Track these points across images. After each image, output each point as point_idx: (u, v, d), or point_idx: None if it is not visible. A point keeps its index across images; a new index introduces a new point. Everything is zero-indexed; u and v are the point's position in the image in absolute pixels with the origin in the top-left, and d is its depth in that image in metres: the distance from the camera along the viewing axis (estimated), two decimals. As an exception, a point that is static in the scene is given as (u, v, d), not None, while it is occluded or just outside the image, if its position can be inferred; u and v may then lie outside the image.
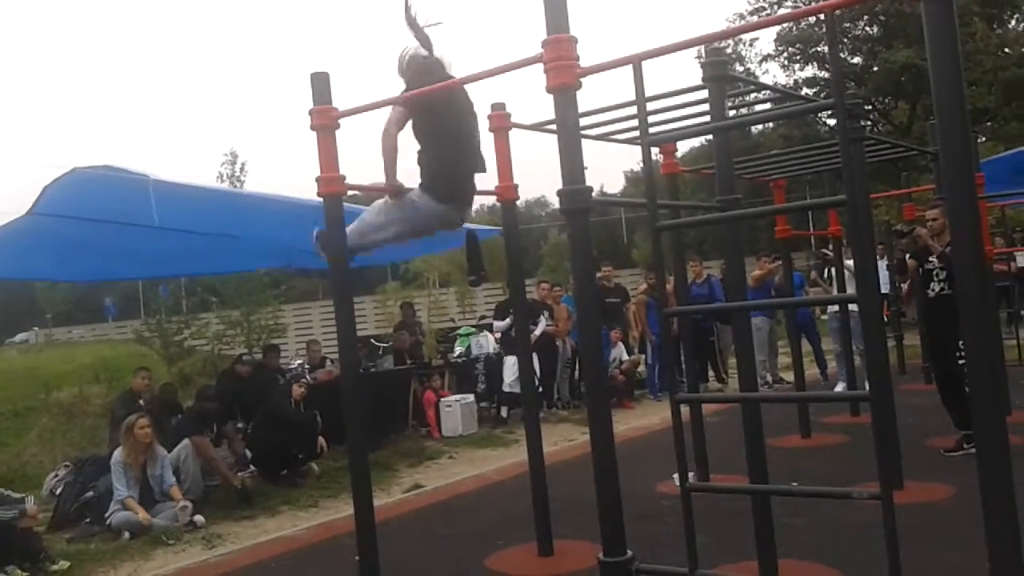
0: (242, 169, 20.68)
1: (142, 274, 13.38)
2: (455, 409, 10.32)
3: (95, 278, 12.11)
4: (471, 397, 10.80)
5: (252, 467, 8.23)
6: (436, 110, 4.30)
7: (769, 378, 11.71)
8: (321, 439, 8.45)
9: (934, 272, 6.96)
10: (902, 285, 11.48)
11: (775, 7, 26.73)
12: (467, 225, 5.01)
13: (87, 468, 7.72)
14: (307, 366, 10.65)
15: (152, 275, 14.04)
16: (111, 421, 9.09)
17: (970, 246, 2.89)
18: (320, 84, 4.34)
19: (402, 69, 4.45)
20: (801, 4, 26.20)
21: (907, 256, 7.64)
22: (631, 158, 52.83)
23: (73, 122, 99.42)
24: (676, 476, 3.69)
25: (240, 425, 8.89)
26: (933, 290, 7.02)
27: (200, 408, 8.42)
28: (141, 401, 8.86)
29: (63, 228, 7.27)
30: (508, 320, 10.26)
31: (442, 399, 10.51)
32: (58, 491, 7.65)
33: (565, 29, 3.50)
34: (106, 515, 6.81)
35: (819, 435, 8.14)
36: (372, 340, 12.41)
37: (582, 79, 3.55)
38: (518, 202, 5.55)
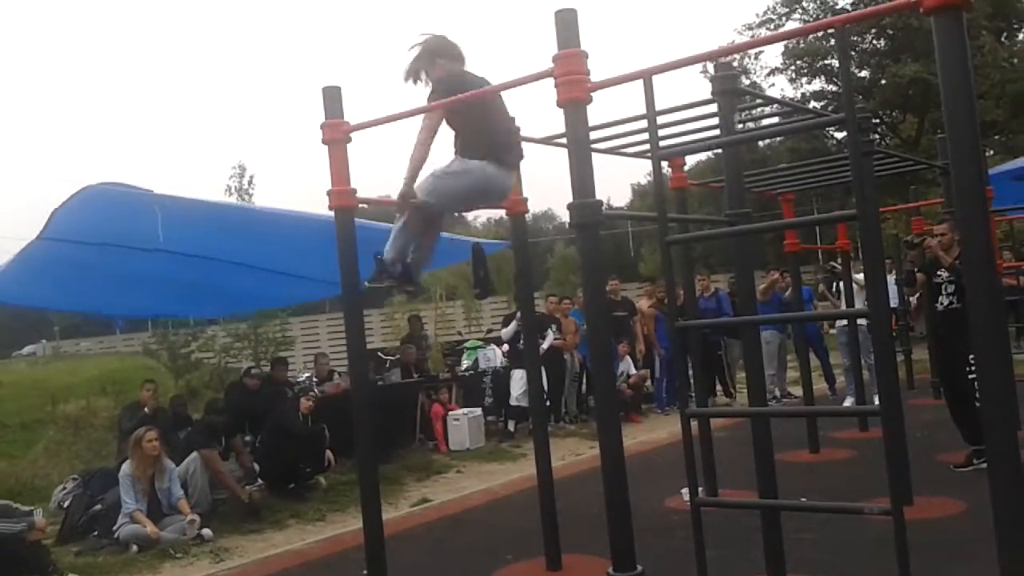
0: (250, 182, 20.71)
1: (153, 310, 13.19)
2: (463, 423, 10.30)
3: (105, 310, 12.10)
4: (478, 411, 10.77)
5: (260, 480, 8.23)
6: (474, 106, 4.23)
7: (777, 392, 11.68)
8: (329, 453, 8.44)
9: (943, 286, 6.94)
10: (911, 299, 11.45)
11: (783, 19, 26.80)
12: (473, 239, 5.02)
13: (95, 481, 7.72)
14: (315, 379, 10.65)
15: (163, 313, 13.94)
16: (118, 434, 9.11)
17: (983, 261, 2.88)
18: (332, 98, 4.37)
19: (434, 77, 4.35)
20: (808, 16, 26.27)
21: (916, 269, 7.63)
22: (638, 171, 52.87)
23: (80, 134, 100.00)
24: (685, 491, 3.68)
25: (248, 438, 8.89)
26: (942, 303, 7.00)
27: (208, 421, 8.42)
28: (146, 410, 8.89)
29: (72, 253, 7.32)
30: (514, 324, 10.26)
31: (449, 413, 10.51)
32: (66, 504, 7.66)
33: (576, 44, 3.53)
34: (114, 528, 6.81)
35: (828, 450, 8.11)
36: (379, 353, 12.41)
37: (592, 93, 3.57)
38: (526, 215, 5.57)
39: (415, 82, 4.38)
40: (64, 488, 8.14)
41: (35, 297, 9.02)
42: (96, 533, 7.03)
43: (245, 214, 8.64)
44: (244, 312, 14.42)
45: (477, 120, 4.23)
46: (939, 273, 6.97)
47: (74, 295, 8.93)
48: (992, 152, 21.50)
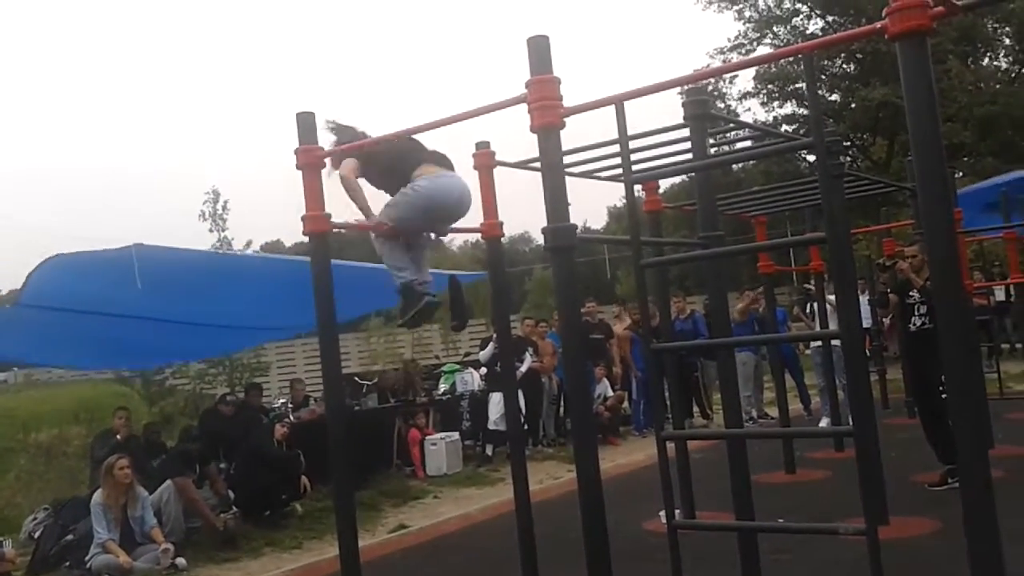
0: (224, 207, 20.62)
1: (134, 365, 13.23)
2: (440, 447, 10.26)
3: (85, 367, 12.08)
4: (456, 435, 10.74)
5: (235, 508, 8.14)
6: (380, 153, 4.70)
7: (754, 413, 11.72)
8: (304, 479, 8.38)
9: (915, 306, 7.03)
10: (884, 320, 11.57)
11: (754, 44, 27.12)
12: (450, 271, 5.08)
13: (66, 510, 7.62)
14: (290, 405, 10.58)
15: (145, 366, 13.89)
16: (90, 462, 8.99)
17: (951, 282, 2.93)
18: (305, 123, 4.38)
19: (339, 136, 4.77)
20: (779, 41, 26.61)
21: (888, 291, 7.71)
22: (614, 194, 53.18)
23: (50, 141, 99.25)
24: (663, 513, 3.68)
25: (223, 465, 8.80)
26: (914, 324, 7.08)
27: (182, 449, 8.35)
28: (119, 438, 8.78)
29: (50, 319, 7.34)
30: (491, 347, 10.24)
31: (427, 437, 10.45)
32: (37, 534, 7.54)
33: (548, 70, 3.56)
34: (86, 559, 6.71)
35: (804, 470, 8.15)
36: (355, 378, 12.35)
37: (566, 119, 3.60)
38: (502, 239, 5.59)
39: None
40: (35, 518, 8.03)
41: (13, 353, 9.03)
42: (68, 564, 6.93)
43: (218, 264, 8.60)
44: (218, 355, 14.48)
45: (386, 162, 4.69)
46: (911, 294, 7.06)
47: (54, 354, 8.98)
48: (961, 174, 21.81)
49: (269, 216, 64.78)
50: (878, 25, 3.03)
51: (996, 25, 24.59)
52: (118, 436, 8.83)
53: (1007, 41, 25.76)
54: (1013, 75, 25.55)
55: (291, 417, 9.69)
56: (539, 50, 3.57)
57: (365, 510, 7.93)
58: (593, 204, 57.38)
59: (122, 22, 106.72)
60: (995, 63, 26.63)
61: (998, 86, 24.12)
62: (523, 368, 10.63)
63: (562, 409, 11.64)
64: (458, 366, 13.55)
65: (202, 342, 9.74)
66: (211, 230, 19.46)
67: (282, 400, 11.43)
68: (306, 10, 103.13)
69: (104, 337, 8.18)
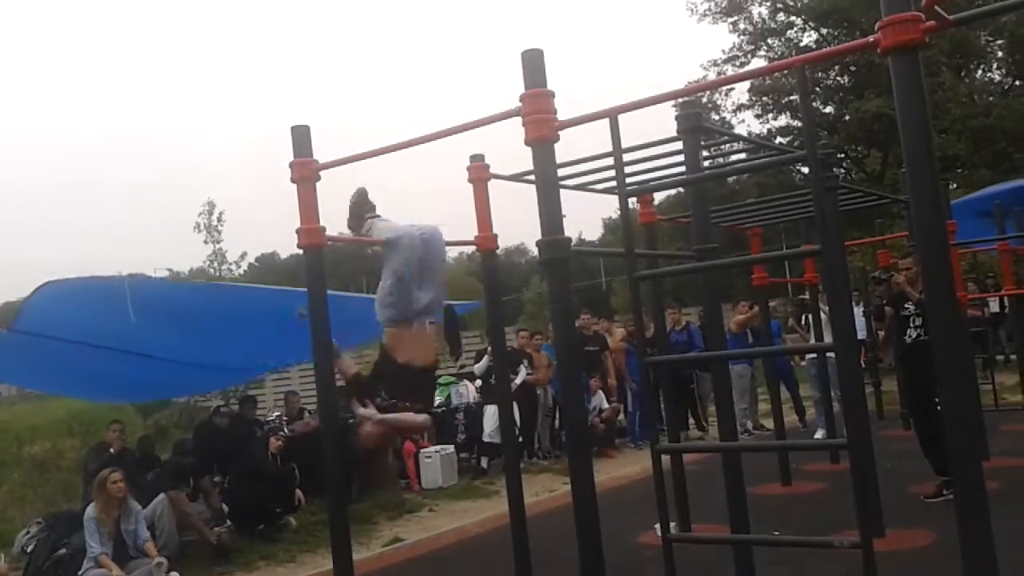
0: (219, 219, 20.60)
1: (127, 398, 13.15)
2: (435, 460, 10.22)
3: (76, 395, 12.03)
4: (451, 448, 10.70)
5: (229, 522, 8.11)
6: None
7: (749, 425, 11.72)
8: (299, 492, 8.35)
9: (910, 319, 7.04)
10: (880, 332, 11.57)
11: (749, 56, 27.25)
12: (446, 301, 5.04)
13: (60, 524, 7.57)
14: (285, 418, 10.55)
15: (140, 399, 13.83)
16: (84, 475, 8.95)
17: (944, 294, 2.93)
18: (300, 136, 4.40)
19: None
20: (774, 53, 26.74)
21: (883, 303, 7.72)
22: (609, 206, 53.27)
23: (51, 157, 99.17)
24: (658, 526, 3.67)
25: (217, 479, 8.77)
26: (910, 336, 7.09)
27: (176, 462, 8.31)
28: (112, 451, 8.75)
29: (42, 346, 7.34)
30: (486, 360, 10.22)
31: (422, 450, 10.41)
32: (30, 548, 7.49)
33: (542, 84, 3.57)
34: (79, 573, 6.66)
35: (800, 483, 8.14)
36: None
37: (560, 132, 3.61)
38: (497, 251, 5.60)
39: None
40: (28, 532, 7.97)
41: (3, 375, 9.02)
42: (60, 578, 6.88)
43: (215, 299, 8.58)
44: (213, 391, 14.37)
45: None
46: (906, 306, 7.07)
47: (45, 381, 8.99)
48: (955, 185, 21.87)
49: (264, 228, 64.72)
50: (871, 39, 3.04)
51: (989, 38, 24.74)
52: (112, 449, 8.80)
53: (999, 54, 25.93)
54: (1006, 87, 25.69)
55: (286, 430, 9.66)
56: (533, 64, 3.59)
57: (360, 523, 7.90)
58: (588, 215, 57.49)
59: (116, 29, 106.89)
60: (988, 75, 26.79)
61: (991, 98, 24.26)
62: (518, 380, 10.61)
63: (557, 421, 11.62)
64: (453, 378, 13.53)
65: (197, 380, 9.77)
66: (206, 242, 19.44)
67: (277, 413, 11.41)
68: (303, 20, 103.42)
69: (96, 370, 8.15)
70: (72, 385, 9.22)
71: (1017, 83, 25.14)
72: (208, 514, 8.04)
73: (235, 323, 7.88)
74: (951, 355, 2.91)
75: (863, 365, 11.07)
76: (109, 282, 6.54)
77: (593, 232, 48.87)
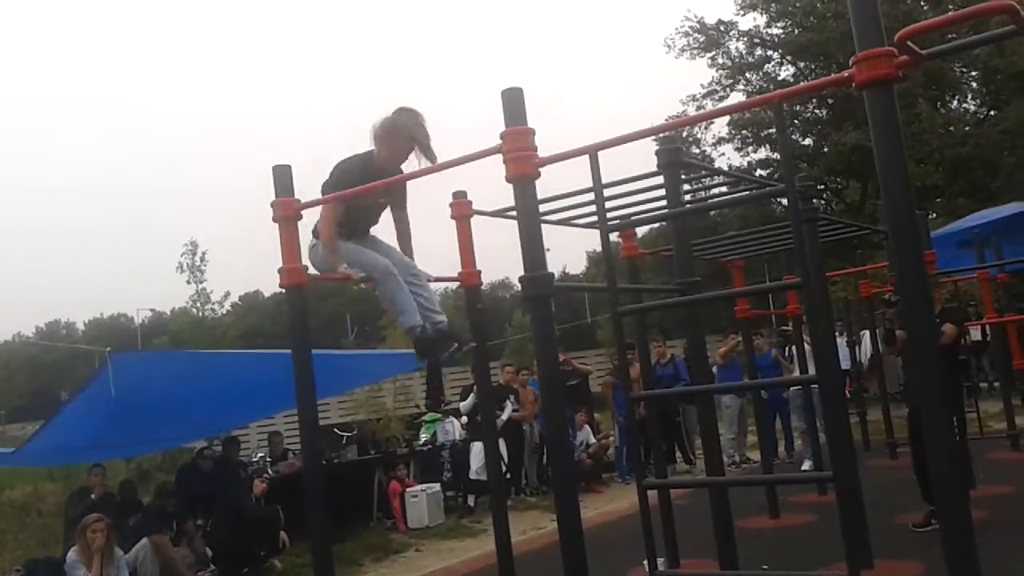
0: (202, 259, 20.61)
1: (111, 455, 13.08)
2: (421, 499, 10.12)
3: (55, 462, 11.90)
4: (437, 486, 10.60)
5: (213, 566, 7.99)
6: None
7: (737, 457, 11.69)
8: (283, 534, 8.25)
9: None
10: (862, 361, 11.61)
11: (727, 90, 27.56)
12: None
13: (40, 571, 7.46)
14: (269, 459, 10.45)
15: (121, 455, 13.72)
16: (65, 521, 8.81)
17: (923, 325, 2.95)
18: (282, 176, 4.39)
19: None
20: (752, 87, 27.06)
21: (894, 327, 7.67)
22: (593, 239, 53.20)
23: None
24: (646, 562, 3.64)
25: (200, 522, 8.65)
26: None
27: (158, 506, 8.21)
28: (93, 496, 8.63)
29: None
30: (472, 397, 10.17)
31: (407, 489, 10.32)
32: (9, 597, 7.36)
33: (522, 121, 3.59)
34: (59, 621, 6.55)
35: (788, 515, 8.10)
36: (335, 430, 12.23)
37: (540, 168, 3.62)
38: (482, 286, 5.59)
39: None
40: (7, 580, 7.84)
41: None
42: (40, 627, 6.75)
43: (198, 368, 8.55)
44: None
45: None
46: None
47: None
48: (935, 215, 22.11)
49: (247, 265, 64.54)
50: (845, 74, 3.08)
51: (963, 69, 25.14)
52: (93, 495, 8.68)
53: (974, 84, 26.34)
54: (981, 117, 26.06)
55: (270, 471, 9.57)
56: (513, 102, 3.61)
57: (345, 565, 7.80)
58: (572, 249, 57.68)
59: (100, 67, 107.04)
60: (964, 105, 27.19)
61: (967, 128, 24.58)
62: (504, 416, 10.56)
63: (545, 457, 11.56)
64: (439, 415, 13.46)
65: (178, 434, 9.70)
66: (189, 282, 19.37)
67: (261, 454, 11.30)
68: (285, 58, 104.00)
69: (70, 438, 8.05)
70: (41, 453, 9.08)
71: (992, 113, 25.52)
72: (192, 558, 7.93)
73: (221, 390, 7.87)
74: (931, 384, 2.92)
75: (848, 395, 11.08)
76: (89, 352, 6.60)
77: (577, 266, 49.11)
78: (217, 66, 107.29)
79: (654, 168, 5.68)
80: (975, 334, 15.06)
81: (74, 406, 7.16)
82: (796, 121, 25.92)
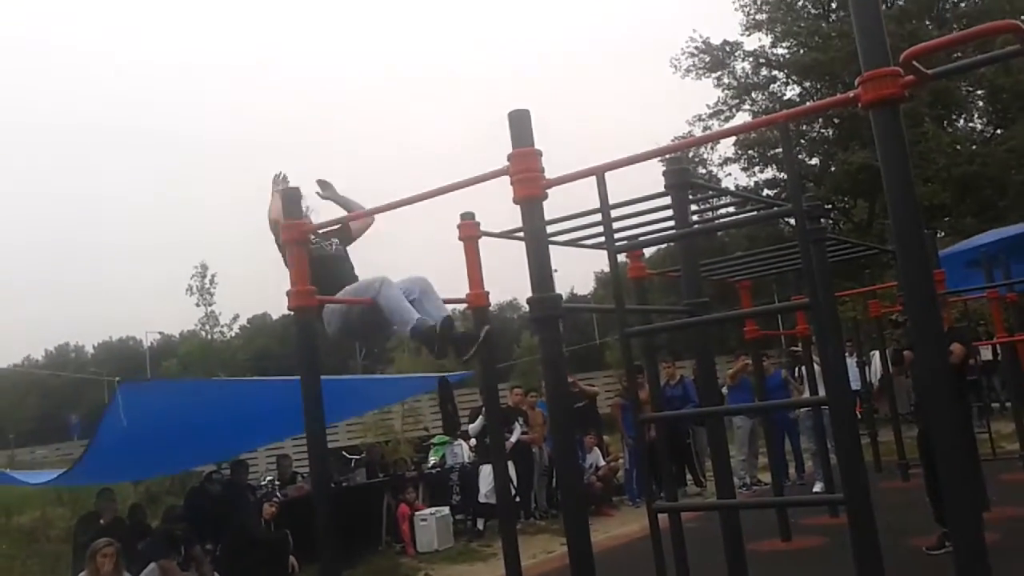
0: (212, 281, 20.66)
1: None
2: (430, 523, 10.07)
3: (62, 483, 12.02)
4: (446, 510, 10.55)
5: (221, 590, 7.96)
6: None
7: (748, 479, 11.60)
8: (292, 559, 8.21)
9: None
10: (873, 381, 11.54)
11: (733, 110, 27.61)
12: (439, 374, 5.07)
13: (48, 597, 7.42)
14: (277, 482, 10.42)
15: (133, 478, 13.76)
16: (74, 546, 8.79)
17: (932, 345, 2.93)
18: (291, 199, 4.42)
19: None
20: (758, 107, 27.10)
21: (903, 348, 7.65)
22: (602, 259, 53.28)
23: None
24: (656, 587, 3.61)
25: (209, 546, 8.62)
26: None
27: (166, 530, 8.18)
28: (102, 521, 8.61)
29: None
30: (481, 419, 10.15)
31: (416, 513, 10.26)
32: (16, 623, 7.33)
33: (529, 143, 3.60)
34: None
35: (799, 538, 8.03)
36: (343, 452, 12.20)
37: (548, 190, 3.63)
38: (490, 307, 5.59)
39: None
40: (15, 606, 7.81)
41: None
42: (47, 654, 6.72)
43: (206, 398, 8.61)
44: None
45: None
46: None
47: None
48: (943, 234, 22.05)
49: (256, 287, 64.65)
50: (851, 94, 3.09)
51: (969, 88, 25.15)
52: (102, 520, 8.66)
53: (980, 103, 26.35)
54: (988, 135, 26.05)
55: (278, 495, 9.54)
56: (520, 124, 3.62)
57: (354, 590, 7.76)
58: (581, 270, 57.71)
59: (107, 88, 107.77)
60: (970, 124, 27.19)
61: (974, 147, 24.56)
62: (513, 439, 10.52)
63: (554, 480, 11.50)
64: (448, 438, 13.42)
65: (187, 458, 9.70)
66: (198, 304, 19.43)
67: (269, 477, 11.28)
68: (287, 83, 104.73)
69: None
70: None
71: (999, 131, 25.50)
72: (200, 583, 7.89)
73: (228, 418, 7.90)
74: (942, 405, 2.90)
75: (859, 416, 11.02)
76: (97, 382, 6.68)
77: (585, 286, 49.06)
78: (232, 78, 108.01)
79: (661, 188, 5.70)
80: (986, 354, 14.99)
81: (98, 435, 7.23)
82: (803, 141, 25.94)
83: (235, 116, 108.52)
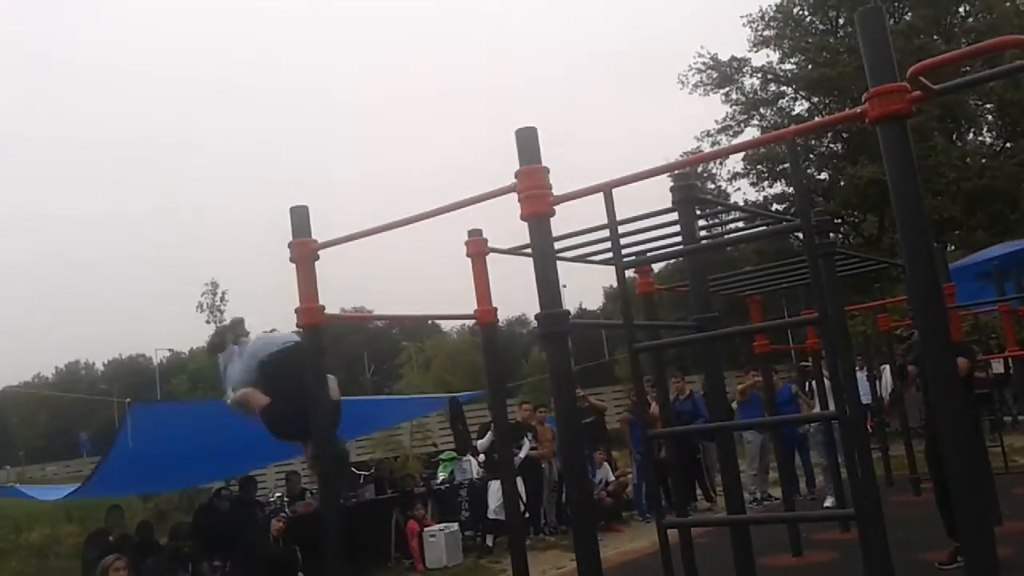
0: (222, 299, 20.72)
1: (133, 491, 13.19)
2: (439, 539, 10.04)
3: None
4: (455, 526, 10.52)
5: (230, 607, 7.95)
6: None
7: (758, 494, 11.54)
8: (301, 575, 8.19)
9: None
10: (884, 396, 11.47)
11: (742, 125, 27.65)
12: (449, 394, 5.12)
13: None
14: (286, 499, 10.42)
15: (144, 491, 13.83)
16: (83, 563, 8.80)
17: (942, 359, 2.92)
18: (299, 217, 4.44)
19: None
20: (767, 122, 27.14)
21: (907, 363, 7.63)
22: (610, 274, 53.12)
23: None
24: (666, 604, 3.59)
25: (217, 563, 8.62)
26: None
27: (174, 547, 8.19)
28: (111, 538, 8.62)
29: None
30: (490, 435, 10.13)
31: (425, 529, 10.24)
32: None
33: (537, 160, 3.62)
34: (76, 665, 6.51)
35: (811, 553, 7.98)
36: (352, 468, 12.19)
37: (555, 206, 3.64)
38: (498, 323, 5.60)
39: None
40: (24, 623, 7.81)
41: None
42: (56, 671, 6.71)
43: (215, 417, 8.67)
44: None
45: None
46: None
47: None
48: (953, 248, 21.99)
49: (265, 304, 64.82)
50: (858, 110, 3.09)
51: (978, 102, 25.13)
52: (111, 537, 8.67)
53: (989, 117, 26.32)
54: (997, 149, 26.01)
55: (287, 511, 9.53)
56: (527, 141, 3.64)
57: (363, 606, 7.74)
58: (589, 285, 57.69)
59: (116, 103, 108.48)
60: (979, 138, 27.15)
61: (984, 160, 24.52)
62: (522, 454, 10.50)
63: (563, 495, 11.46)
64: (456, 454, 13.40)
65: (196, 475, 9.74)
66: (208, 321, 19.49)
67: (278, 493, 11.27)
68: (298, 100, 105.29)
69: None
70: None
71: (1008, 145, 25.46)
72: (208, 601, 7.89)
73: (237, 437, 7.89)
74: (952, 418, 2.88)
75: (870, 430, 10.96)
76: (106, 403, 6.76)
77: (594, 301, 48.96)
78: (240, 92, 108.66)
79: (669, 204, 5.71)
80: (997, 367, 14.91)
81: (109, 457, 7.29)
82: (811, 155, 25.95)
83: (245, 128, 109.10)
